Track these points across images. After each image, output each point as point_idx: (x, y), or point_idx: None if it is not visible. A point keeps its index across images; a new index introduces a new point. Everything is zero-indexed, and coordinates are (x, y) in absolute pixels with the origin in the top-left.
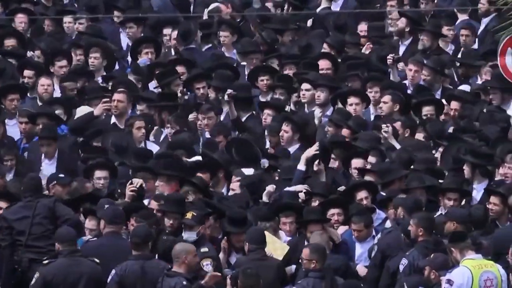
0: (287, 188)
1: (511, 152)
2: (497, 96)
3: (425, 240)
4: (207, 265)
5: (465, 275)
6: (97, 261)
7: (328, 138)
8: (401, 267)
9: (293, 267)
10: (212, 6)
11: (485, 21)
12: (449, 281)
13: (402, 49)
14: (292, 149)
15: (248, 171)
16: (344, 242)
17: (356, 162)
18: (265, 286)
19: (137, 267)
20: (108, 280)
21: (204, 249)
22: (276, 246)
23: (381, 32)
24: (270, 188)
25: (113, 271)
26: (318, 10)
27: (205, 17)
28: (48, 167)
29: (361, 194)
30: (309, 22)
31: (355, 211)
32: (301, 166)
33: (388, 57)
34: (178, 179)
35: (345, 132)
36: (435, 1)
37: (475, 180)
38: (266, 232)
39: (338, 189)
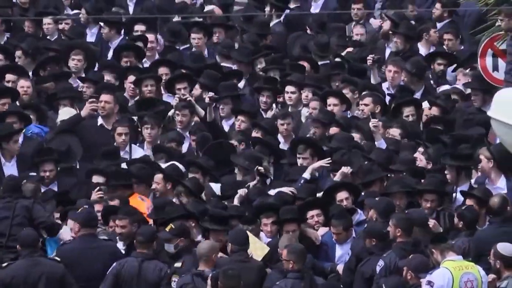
0: (273, 190)
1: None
2: (478, 98)
3: (403, 242)
4: (174, 281)
5: (445, 277)
6: (58, 259)
7: (297, 138)
8: (377, 269)
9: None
10: (207, 8)
11: (439, 25)
12: (430, 283)
13: (388, 51)
14: None
15: (216, 186)
16: (324, 244)
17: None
18: (246, 287)
19: (135, 264)
20: (108, 271)
21: (178, 264)
22: (257, 246)
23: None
24: (242, 192)
25: (114, 264)
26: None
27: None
28: (8, 169)
29: (341, 195)
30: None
31: (335, 213)
32: (307, 175)
33: (368, 58)
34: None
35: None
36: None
37: (459, 183)
38: (247, 233)
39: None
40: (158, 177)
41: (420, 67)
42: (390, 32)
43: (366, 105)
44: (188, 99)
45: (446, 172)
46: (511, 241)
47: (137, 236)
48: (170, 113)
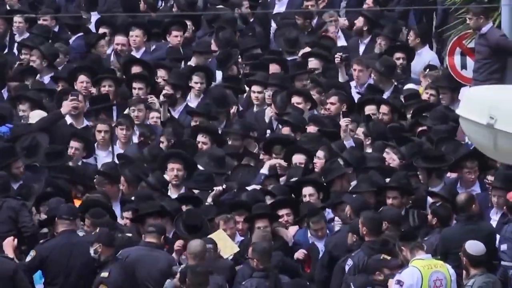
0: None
1: (457, 151)
2: (446, 96)
3: (371, 241)
4: None
5: (414, 276)
6: (11, 256)
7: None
8: (346, 268)
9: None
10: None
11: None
12: (399, 282)
13: (362, 48)
14: None
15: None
16: (297, 244)
17: (298, 158)
18: (217, 286)
19: (144, 253)
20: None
21: (104, 274)
22: (227, 245)
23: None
24: (217, 189)
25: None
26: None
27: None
28: None
29: (307, 191)
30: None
31: (307, 211)
32: (265, 171)
33: (336, 56)
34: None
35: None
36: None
37: (431, 184)
38: (220, 230)
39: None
40: (122, 179)
41: (389, 66)
42: (364, 29)
43: (332, 103)
44: (167, 94)
45: (418, 173)
46: (477, 238)
47: (150, 226)
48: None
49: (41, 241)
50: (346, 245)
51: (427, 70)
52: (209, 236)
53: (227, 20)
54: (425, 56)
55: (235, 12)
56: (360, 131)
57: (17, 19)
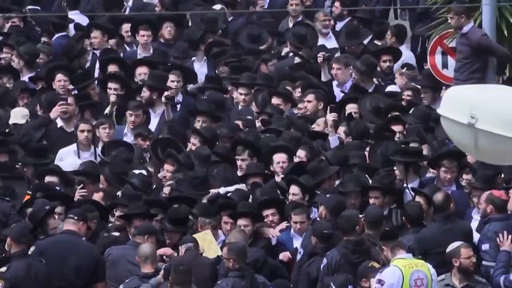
0: (223, 189)
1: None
2: (428, 96)
3: (346, 240)
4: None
5: (395, 275)
6: None
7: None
8: (321, 266)
9: None
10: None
11: (339, 25)
12: (380, 281)
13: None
14: None
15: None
16: (281, 244)
17: (279, 157)
18: (199, 283)
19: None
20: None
21: (3, 269)
22: (211, 247)
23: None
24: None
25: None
26: None
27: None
28: None
29: (292, 189)
30: None
31: (293, 206)
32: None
33: (318, 55)
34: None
35: None
36: None
37: (408, 179)
38: (208, 231)
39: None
40: (102, 178)
41: (370, 65)
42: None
43: (309, 101)
44: (168, 96)
45: (394, 168)
46: (455, 237)
47: (134, 229)
48: (107, 110)
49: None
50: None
51: (404, 68)
52: (195, 235)
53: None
54: (402, 55)
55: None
56: (341, 130)
57: None
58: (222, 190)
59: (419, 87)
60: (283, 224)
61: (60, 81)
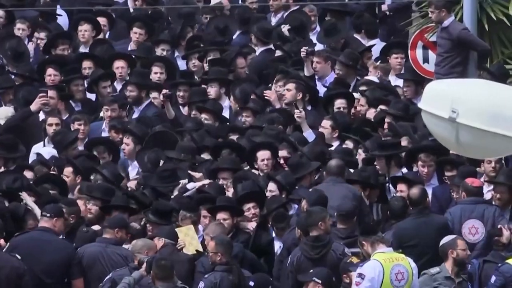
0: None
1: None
2: (410, 89)
3: (308, 237)
4: None
5: (376, 269)
6: None
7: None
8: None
9: None
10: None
11: (275, 19)
12: (361, 275)
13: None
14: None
15: None
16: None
17: (263, 154)
18: (178, 278)
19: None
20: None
21: None
22: (192, 243)
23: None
24: (183, 182)
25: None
26: None
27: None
28: None
29: (269, 186)
30: None
31: (275, 217)
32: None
33: (301, 50)
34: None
35: None
36: None
37: (391, 173)
38: (191, 226)
39: None
40: (68, 170)
41: (355, 59)
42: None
43: (288, 90)
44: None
45: (375, 163)
46: (429, 231)
47: (106, 221)
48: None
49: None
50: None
51: (378, 61)
52: (177, 229)
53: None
54: (377, 47)
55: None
56: (327, 124)
57: None
58: (190, 185)
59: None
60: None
61: (50, 75)
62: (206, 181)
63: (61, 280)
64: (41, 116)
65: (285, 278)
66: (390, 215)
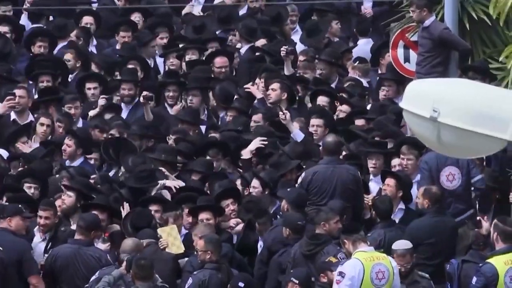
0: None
1: (406, 143)
2: (391, 89)
3: (309, 233)
4: None
5: (356, 267)
6: None
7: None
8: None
9: (185, 259)
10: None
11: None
12: (341, 273)
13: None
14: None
15: None
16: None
17: (244, 152)
18: (160, 278)
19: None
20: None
21: None
22: (175, 243)
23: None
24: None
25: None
26: None
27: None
28: None
29: (253, 183)
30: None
31: (256, 213)
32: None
33: (281, 49)
34: None
35: None
36: None
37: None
38: (174, 226)
39: None
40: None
41: (338, 57)
42: None
43: (273, 90)
44: (147, 96)
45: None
46: (445, 230)
47: (79, 221)
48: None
49: None
50: (283, 240)
51: (357, 62)
52: (159, 229)
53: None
54: (363, 47)
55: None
56: (319, 122)
57: None
58: (169, 182)
59: None
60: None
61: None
62: (179, 183)
63: (18, 277)
64: (12, 115)
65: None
66: (376, 215)
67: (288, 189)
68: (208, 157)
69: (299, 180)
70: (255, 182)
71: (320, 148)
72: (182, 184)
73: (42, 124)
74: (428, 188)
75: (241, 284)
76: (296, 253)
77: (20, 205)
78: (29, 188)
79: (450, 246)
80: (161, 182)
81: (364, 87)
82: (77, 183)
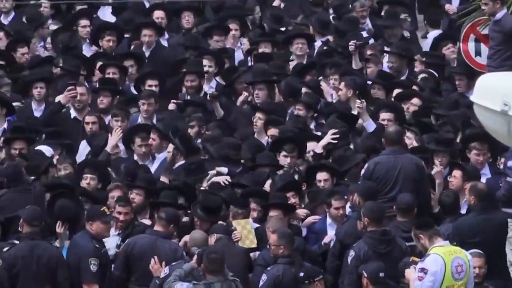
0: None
1: (476, 139)
2: (462, 83)
3: (372, 231)
4: None
5: (438, 263)
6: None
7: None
8: (348, 259)
9: (257, 253)
10: None
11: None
12: (423, 270)
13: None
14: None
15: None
16: (313, 232)
17: (311, 145)
18: (232, 272)
19: (148, 242)
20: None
21: (5, 248)
22: (249, 237)
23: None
24: (212, 173)
25: (125, 242)
26: None
27: None
28: None
29: (321, 176)
30: None
31: (329, 191)
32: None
33: (350, 43)
34: None
35: None
36: None
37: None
38: (249, 220)
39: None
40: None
41: (408, 49)
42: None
43: (340, 89)
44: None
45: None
46: (492, 228)
47: (160, 213)
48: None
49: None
50: (356, 233)
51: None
52: (236, 221)
53: None
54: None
55: None
56: (390, 116)
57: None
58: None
59: None
60: (316, 217)
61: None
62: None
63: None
64: (73, 113)
65: (348, 272)
66: (441, 210)
67: (359, 183)
68: (284, 153)
69: (362, 171)
70: (323, 175)
71: (383, 139)
72: (229, 179)
73: (87, 123)
74: (474, 184)
75: (301, 274)
76: (367, 252)
77: (102, 208)
78: (86, 179)
79: (497, 244)
80: (211, 172)
81: (438, 80)
82: (143, 181)
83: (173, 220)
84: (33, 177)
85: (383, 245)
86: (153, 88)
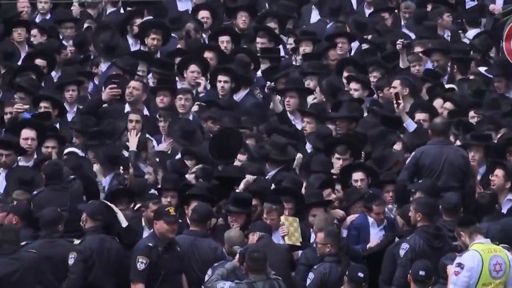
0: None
1: None
2: (501, 84)
3: (425, 225)
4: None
5: (475, 259)
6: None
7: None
8: (402, 252)
9: (299, 252)
10: None
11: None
12: (460, 265)
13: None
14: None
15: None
16: (355, 229)
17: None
18: (274, 270)
19: (188, 242)
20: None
21: (76, 242)
22: (295, 235)
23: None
24: (249, 178)
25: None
26: None
27: None
28: None
29: (357, 176)
30: None
31: (369, 196)
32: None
33: (397, 42)
34: None
35: None
36: None
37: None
38: (296, 218)
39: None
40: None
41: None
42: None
43: (394, 87)
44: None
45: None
46: None
47: (192, 213)
48: None
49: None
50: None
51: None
52: (284, 216)
53: None
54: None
55: None
56: (421, 116)
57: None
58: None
59: None
60: (352, 217)
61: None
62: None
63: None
64: (126, 107)
65: (401, 265)
66: (478, 211)
67: (420, 181)
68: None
69: (408, 159)
70: (360, 175)
71: (429, 130)
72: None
73: (131, 121)
74: None
75: (360, 274)
76: (422, 245)
77: (167, 208)
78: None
79: None
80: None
81: (486, 80)
82: (173, 183)
83: (205, 217)
84: (72, 176)
85: (438, 240)
86: (223, 84)
